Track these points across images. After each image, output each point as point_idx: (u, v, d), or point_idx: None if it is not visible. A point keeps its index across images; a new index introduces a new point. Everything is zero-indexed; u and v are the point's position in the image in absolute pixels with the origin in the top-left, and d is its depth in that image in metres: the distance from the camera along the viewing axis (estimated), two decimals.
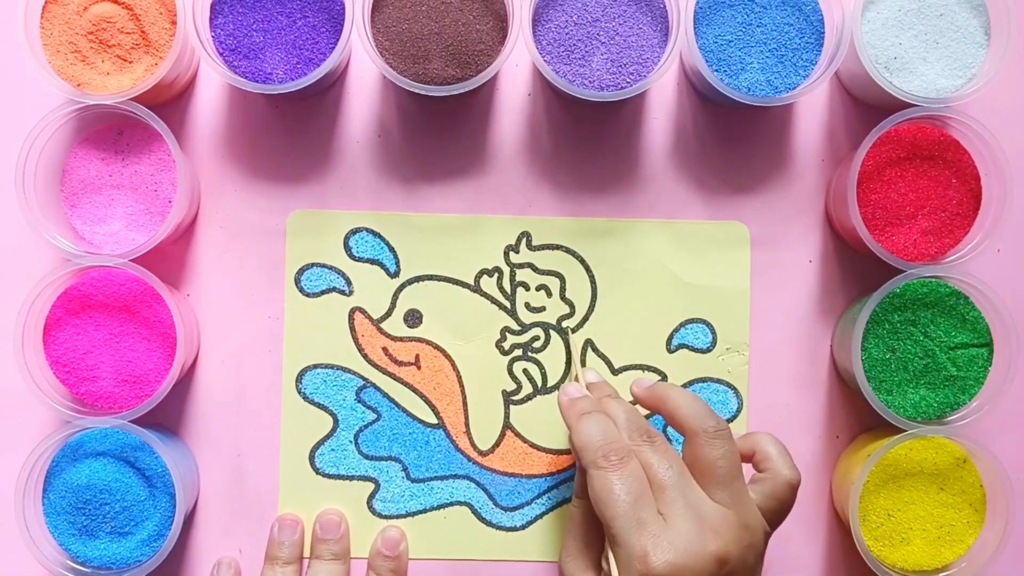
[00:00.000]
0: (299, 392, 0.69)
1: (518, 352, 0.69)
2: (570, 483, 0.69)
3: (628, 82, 0.65)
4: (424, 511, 0.69)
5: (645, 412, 0.69)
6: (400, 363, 0.69)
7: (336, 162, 0.70)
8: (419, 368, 0.69)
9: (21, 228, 0.65)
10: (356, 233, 0.69)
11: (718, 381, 0.69)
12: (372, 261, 0.69)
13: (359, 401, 0.69)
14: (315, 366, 0.69)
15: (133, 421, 0.64)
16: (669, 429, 0.69)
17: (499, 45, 0.65)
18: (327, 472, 0.69)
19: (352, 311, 0.69)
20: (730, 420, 0.69)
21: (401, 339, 0.69)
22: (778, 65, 0.65)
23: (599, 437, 0.58)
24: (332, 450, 0.69)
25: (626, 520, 0.55)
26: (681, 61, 0.70)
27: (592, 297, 0.69)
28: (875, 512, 0.65)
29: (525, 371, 0.69)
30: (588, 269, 0.70)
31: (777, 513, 0.58)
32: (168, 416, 0.69)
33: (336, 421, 0.69)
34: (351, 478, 0.69)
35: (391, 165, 0.70)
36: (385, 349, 0.69)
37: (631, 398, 0.66)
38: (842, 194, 0.65)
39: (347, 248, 0.69)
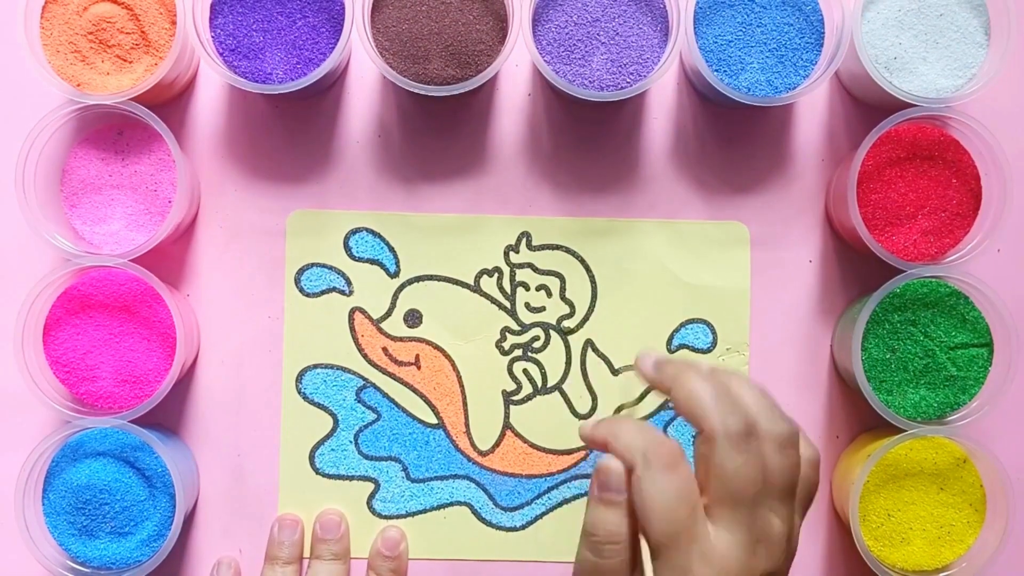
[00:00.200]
0: (299, 392, 0.69)
1: (518, 352, 0.69)
2: (570, 483, 0.69)
3: (628, 82, 0.65)
4: (424, 511, 0.69)
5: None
6: (400, 363, 0.69)
7: (336, 162, 0.70)
8: (419, 368, 0.69)
9: (21, 228, 0.65)
10: (356, 233, 0.69)
11: None
12: (372, 261, 0.69)
13: (359, 401, 0.69)
14: (315, 366, 0.69)
15: (133, 421, 0.64)
16: (670, 428, 0.69)
17: (499, 45, 0.65)
18: (327, 472, 0.69)
19: (352, 311, 0.69)
20: None
21: (401, 339, 0.69)
22: (778, 65, 0.65)
23: (647, 436, 0.50)
24: (332, 450, 0.69)
25: (675, 525, 0.48)
26: (681, 61, 0.70)
27: (592, 297, 0.69)
28: (875, 512, 0.65)
29: (525, 371, 0.69)
30: (588, 269, 0.69)
31: (806, 500, 0.52)
32: (168, 416, 0.69)
33: (336, 421, 0.69)
34: (351, 478, 0.69)
35: (391, 165, 0.70)
36: (385, 349, 0.69)
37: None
38: (842, 194, 0.65)
39: (347, 248, 0.69)
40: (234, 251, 0.69)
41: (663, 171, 0.70)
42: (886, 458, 0.64)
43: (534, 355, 0.69)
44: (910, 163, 0.66)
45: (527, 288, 0.70)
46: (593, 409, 0.69)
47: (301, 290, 0.69)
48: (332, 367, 0.69)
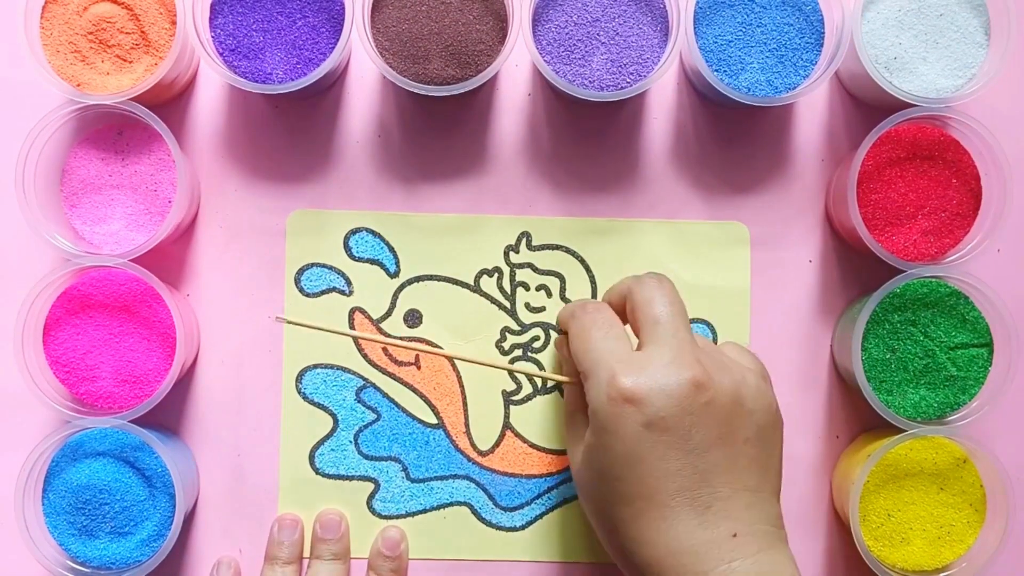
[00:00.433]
0: (299, 392, 0.69)
1: (518, 352, 0.69)
2: (570, 483, 0.69)
3: (628, 82, 0.65)
4: (424, 511, 0.69)
5: None
6: (400, 363, 0.69)
7: (336, 162, 0.70)
8: (419, 368, 0.69)
9: (21, 228, 0.65)
10: (356, 233, 0.69)
11: None
12: (372, 261, 0.69)
13: (359, 401, 0.69)
14: (315, 366, 0.69)
15: (133, 421, 0.64)
16: None
17: (499, 45, 0.65)
18: (327, 472, 0.69)
19: (352, 311, 0.69)
20: None
21: (401, 339, 0.69)
22: (778, 65, 0.65)
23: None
24: (332, 450, 0.69)
25: (597, 351, 0.56)
26: (681, 61, 0.70)
27: (592, 297, 0.69)
28: (875, 512, 0.65)
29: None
30: (588, 269, 0.70)
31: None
32: (168, 416, 0.69)
33: (336, 421, 0.69)
34: (351, 478, 0.69)
35: (391, 165, 0.70)
36: (385, 349, 0.69)
37: None
38: (842, 194, 0.65)
39: (347, 248, 0.69)
40: (234, 251, 0.69)
41: (663, 171, 0.70)
42: (886, 458, 0.64)
43: (534, 355, 0.69)
44: (910, 163, 0.66)
45: (527, 288, 0.70)
46: None
47: (301, 290, 0.69)
48: (332, 367, 0.69)
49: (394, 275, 0.69)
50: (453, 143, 0.70)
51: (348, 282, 0.69)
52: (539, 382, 0.69)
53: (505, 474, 0.69)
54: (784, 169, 0.70)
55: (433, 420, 0.69)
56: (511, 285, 0.70)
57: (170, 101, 0.69)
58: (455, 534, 0.69)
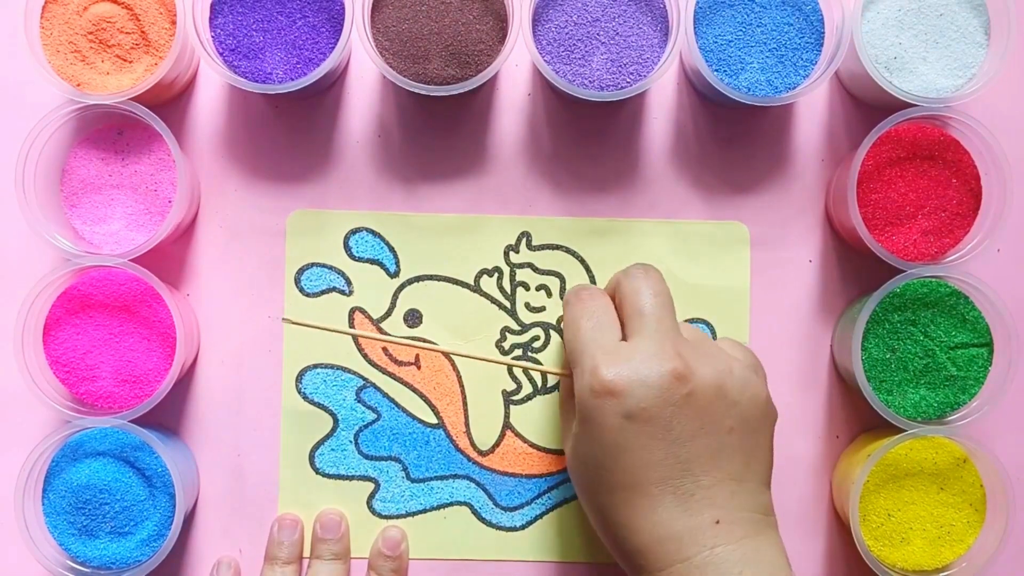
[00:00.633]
0: (299, 392, 0.69)
1: (518, 352, 0.69)
2: (570, 483, 0.69)
3: (628, 82, 0.65)
4: (424, 511, 0.69)
5: None
6: (400, 363, 0.69)
7: (336, 162, 0.70)
8: (419, 368, 0.69)
9: (21, 228, 0.65)
10: (356, 233, 0.69)
11: None
12: (372, 261, 0.69)
13: (359, 401, 0.69)
14: (315, 366, 0.69)
15: (133, 421, 0.64)
16: None
17: (499, 45, 0.65)
18: (327, 472, 0.69)
19: (352, 311, 0.69)
20: None
21: (403, 339, 0.69)
22: (778, 65, 0.65)
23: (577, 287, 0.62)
24: (332, 450, 0.69)
25: (583, 342, 0.57)
26: (681, 61, 0.70)
27: None
28: (875, 512, 0.65)
29: (525, 371, 0.69)
30: (588, 269, 0.69)
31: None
32: (168, 416, 0.69)
33: (336, 421, 0.69)
34: (351, 478, 0.69)
35: (391, 165, 0.70)
36: (385, 349, 0.69)
37: None
38: (842, 194, 0.65)
39: (347, 248, 0.69)
40: (234, 251, 0.69)
41: (663, 171, 0.70)
42: (886, 458, 0.64)
43: (534, 355, 0.69)
44: (910, 163, 0.66)
45: (527, 288, 0.70)
46: None
47: (301, 290, 0.69)
48: (332, 367, 0.69)
49: (394, 275, 0.69)
50: (453, 143, 0.70)
51: (348, 282, 0.69)
52: (539, 382, 0.69)
53: (505, 474, 0.69)
54: (784, 169, 0.70)
55: (433, 420, 0.69)
56: (511, 285, 0.70)
57: (170, 101, 0.69)
58: (455, 534, 0.69)
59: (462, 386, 0.69)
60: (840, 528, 0.69)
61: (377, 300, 0.69)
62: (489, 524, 0.69)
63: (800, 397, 0.69)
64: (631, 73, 0.65)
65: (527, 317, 0.69)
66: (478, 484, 0.69)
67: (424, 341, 0.69)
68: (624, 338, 0.58)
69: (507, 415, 0.69)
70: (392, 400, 0.69)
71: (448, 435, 0.69)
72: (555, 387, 0.69)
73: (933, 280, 0.65)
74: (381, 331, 0.69)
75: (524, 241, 0.70)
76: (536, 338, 0.69)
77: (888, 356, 0.65)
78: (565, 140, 0.70)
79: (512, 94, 0.70)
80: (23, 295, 0.64)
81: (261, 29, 0.65)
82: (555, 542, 0.69)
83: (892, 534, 0.65)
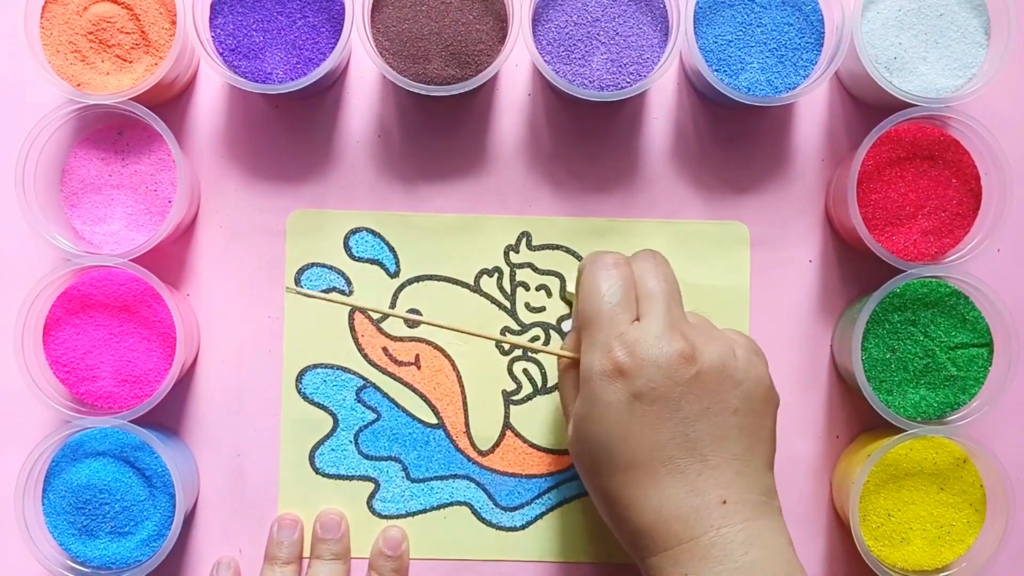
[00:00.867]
0: (299, 392, 0.69)
1: (518, 352, 0.69)
2: (570, 483, 0.69)
3: (628, 82, 0.65)
4: (424, 511, 0.69)
5: None
6: (400, 363, 0.69)
7: (336, 162, 0.70)
8: (419, 368, 0.69)
9: (21, 228, 0.65)
10: (356, 233, 0.69)
11: None
12: (372, 261, 0.69)
13: (359, 401, 0.69)
14: (315, 366, 0.69)
15: (133, 421, 0.64)
16: None
17: (499, 45, 0.65)
18: (327, 472, 0.69)
19: (352, 311, 0.69)
20: None
21: (401, 339, 0.69)
22: (778, 65, 0.65)
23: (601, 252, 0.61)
24: (332, 450, 0.69)
25: (601, 318, 0.57)
26: (681, 61, 0.70)
27: None
28: (875, 512, 0.65)
29: (525, 371, 0.69)
30: None
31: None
32: (168, 416, 0.69)
33: (336, 421, 0.69)
34: (351, 478, 0.69)
35: (391, 165, 0.70)
36: (385, 349, 0.69)
37: None
38: (842, 194, 0.65)
39: (347, 248, 0.69)
40: (234, 251, 0.69)
41: (663, 171, 0.70)
42: (886, 458, 0.64)
43: (534, 355, 0.69)
44: (910, 163, 0.66)
45: (527, 288, 0.70)
46: None
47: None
48: (332, 367, 0.69)
49: (394, 275, 0.69)
50: (453, 143, 0.70)
51: (348, 282, 0.69)
52: (539, 382, 0.69)
53: (505, 474, 0.69)
54: (784, 169, 0.70)
55: (433, 420, 0.69)
56: (511, 285, 0.70)
57: (170, 101, 0.69)
58: (455, 534, 0.69)
59: (462, 386, 0.69)
60: (840, 528, 0.69)
61: (377, 300, 0.69)
62: (489, 524, 0.69)
63: (800, 397, 0.69)
64: (631, 73, 0.65)
65: (527, 317, 0.69)
66: (478, 484, 0.69)
67: (424, 342, 0.69)
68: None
69: (507, 415, 0.69)
70: (392, 400, 0.69)
71: (448, 435, 0.69)
72: (555, 387, 0.69)
73: (933, 280, 0.65)
74: (381, 331, 0.69)
75: (524, 241, 0.70)
76: (536, 338, 0.69)
77: (888, 356, 0.65)
78: (565, 140, 0.70)
79: (512, 94, 0.70)
80: (23, 295, 0.64)
81: (261, 29, 0.65)
82: (555, 542, 0.69)
83: (892, 534, 0.65)
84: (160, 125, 0.64)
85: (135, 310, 0.65)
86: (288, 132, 0.70)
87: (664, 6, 0.66)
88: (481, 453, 0.69)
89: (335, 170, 0.70)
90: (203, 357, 0.69)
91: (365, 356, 0.69)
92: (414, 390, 0.69)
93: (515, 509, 0.69)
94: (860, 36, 0.64)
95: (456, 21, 0.64)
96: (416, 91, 0.64)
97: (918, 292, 0.64)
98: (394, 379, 0.69)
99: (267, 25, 0.65)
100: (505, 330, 0.69)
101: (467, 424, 0.69)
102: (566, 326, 0.69)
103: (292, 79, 0.65)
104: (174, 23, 0.65)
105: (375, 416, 0.69)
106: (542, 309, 0.69)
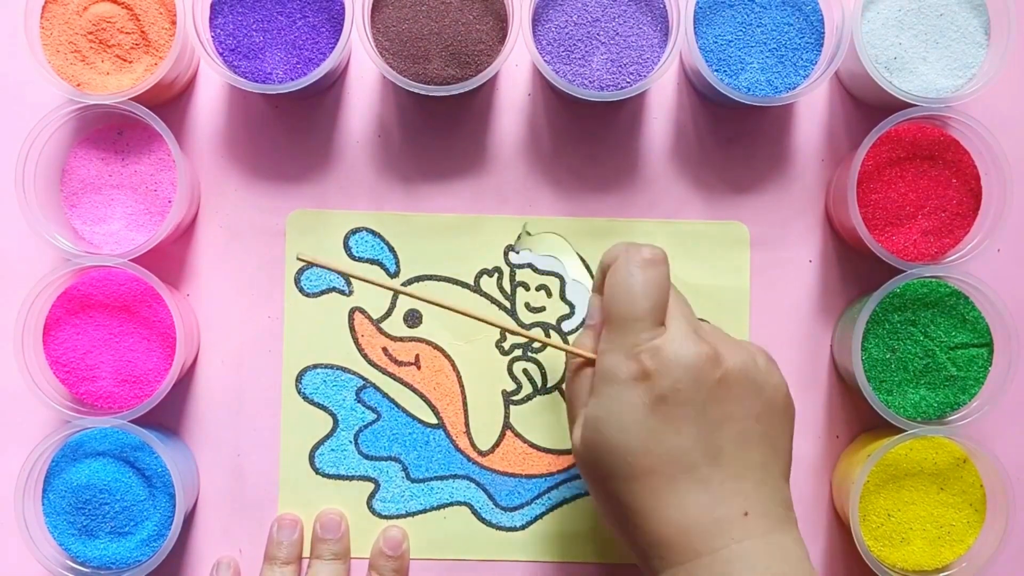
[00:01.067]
0: (299, 392, 0.69)
1: (518, 352, 0.69)
2: (570, 483, 0.69)
3: (628, 82, 0.65)
4: (424, 511, 0.69)
5: None
6: (400, 363, 0.69)
7: (336, 162, 0.70)
8: (419, 368, 0.69)
9: (21, 228, 0.65)
10: (356, 233, 0.69)
11: None
12: (372, 261, 0.69)
13: (359, 401, 0.69)
14: (315, 366, 0.69)
15: (133, 421, 0.64)
16: None
17: (499, 45, 0.65)
18: (327, 472, 0.69)
19: (352, 311, 0.69)
20: None
21: (401, 339, 0.69)
22: (778, 65, 0.65)
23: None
24: (332, 450, 0.69)
25: (630, 318, 0.54)
26: (681, 61, 0.70)
27: (593, 294, 0.69)
28: (875, 512, 0.65)
29: (525, 371, 0.69)
30: (588, 269, 0.69)
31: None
32: (168, 416, 0.69)
33: (336, 421, 0.69)
34: (351, 478, 0.69)
35: (391, 165, 0.70)
36: (385, 349, 0.69)
37: None
38: (842, 194, 0.65)
39: (347, 248, 0.69)
40: (234, 251, 0.69)
41: (663, 171, 0.70)
42: (886, 458, 0.64)
43: (534, 355, 0.69)
44: (910, 163, 0.66)
45: (527, 288, 0.70)
46: None
47: (301, 290, 0.69)
48: (332, 367, 0.69)
49: (394, 275, 0.69)
50: (453, 143, 0.70)
51: (348, 282, 0.69)
52: (539, 382, 0.69)
53: (505, 474, 0.69)
54: (784, 169, 0.70)
55: (433, 420, 0.69)
56: (511, 285, 0.70)
57: (170, 101, 0.69)
58: (455, 534, 0.69)
59: (462, 386, 0.69)
60: (840, 528, 0.69)
61: (377, 300, 0.69)
62: (489, 524, 0.69)
63: (800, 397, 0.69)
64: (631, 73, 0.65)
65: (527, 317, 0.69)
66: (478, 484, 0.69)
67: (424, 343, 0.69)
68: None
69: (507, 415, 0.69)
70: (392, 400, 0.69)
71: (448, 435, 0.69)
72: (555, 388, 0.69)
73: (933, 280, 0.65)
74: (381, 331, 0.69)
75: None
76: None
77: (888, 356, 0.65)
78: (565, 140, 0.70)
79: (512, 94, 0.70)
80: (23, 295, 0.64)
81: (261, 29, 0.65)
82: (555, 542, 0.69)
83: (892, 534, 0.65)
84: (160, 125, 0.64)
85: (135, 310, 0.65)
86: (288, 132, 0.70)
87: (664, 6, 0.66)
88: (481, 453, 0.69)
89: (335, 170, 0.70)
90: (203, 357, 0.69)
91: (365, 356, 0.69)
92: (414, 390, 0.69)
93: (515, 509, 0.69)
94: (860, 36, 0.64)
95: (456, 21, 0.64)
96: (416, 91, 0.64)
97: (918, 292, 0.64)
98: (394, 379, 0.69)
99: (267, 25, 0.65)
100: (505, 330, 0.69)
101: (467, 424, 0.69)
102: (566, 326, 0.69)
103: (292, 79, 0.65)
104: (174, 23, 0.65)
105: (375, 416, 0.69)
106: (542, 309, 0.69)
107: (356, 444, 0.69)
